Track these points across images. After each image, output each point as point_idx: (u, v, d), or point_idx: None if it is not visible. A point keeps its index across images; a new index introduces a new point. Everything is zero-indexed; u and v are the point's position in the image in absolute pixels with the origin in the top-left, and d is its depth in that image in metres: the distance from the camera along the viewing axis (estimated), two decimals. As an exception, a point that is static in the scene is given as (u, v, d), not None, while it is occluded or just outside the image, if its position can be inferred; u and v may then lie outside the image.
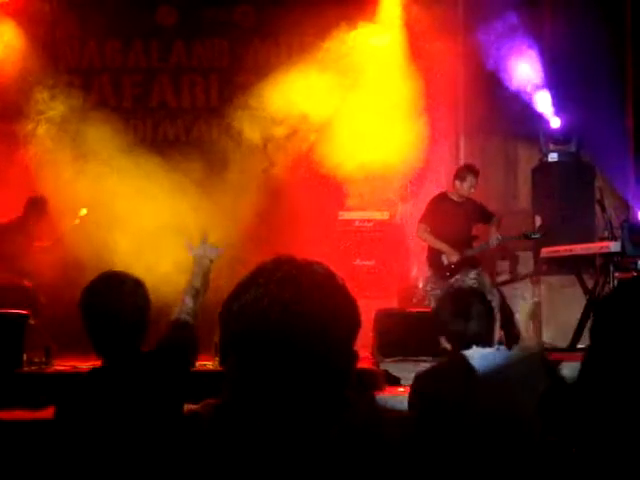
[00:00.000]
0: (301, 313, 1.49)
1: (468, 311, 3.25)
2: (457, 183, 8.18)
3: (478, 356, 3.12)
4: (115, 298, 3.03)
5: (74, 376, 3.11)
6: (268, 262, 1.58)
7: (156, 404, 2.92)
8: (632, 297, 1.82)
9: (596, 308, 1.86)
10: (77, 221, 8.67)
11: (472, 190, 8.15)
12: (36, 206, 8.55)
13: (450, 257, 8.04)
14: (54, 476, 3.00)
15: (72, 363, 7.20)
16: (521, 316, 8.81)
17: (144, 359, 3.08)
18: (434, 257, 8.25)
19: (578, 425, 1.84)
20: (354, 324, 1.58)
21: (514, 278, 9.61)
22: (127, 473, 2.77)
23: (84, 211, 8.73)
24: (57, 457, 2.96)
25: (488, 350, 3.15)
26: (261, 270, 1.56)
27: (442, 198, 8.33)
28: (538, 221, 9.08)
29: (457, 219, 8.13)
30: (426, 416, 3.05)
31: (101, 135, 9.16)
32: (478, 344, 3.17)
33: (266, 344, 1.50)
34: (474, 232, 8.50)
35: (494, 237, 8.12)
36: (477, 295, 3.38)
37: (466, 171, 8.17)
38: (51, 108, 9.40)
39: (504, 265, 9.74)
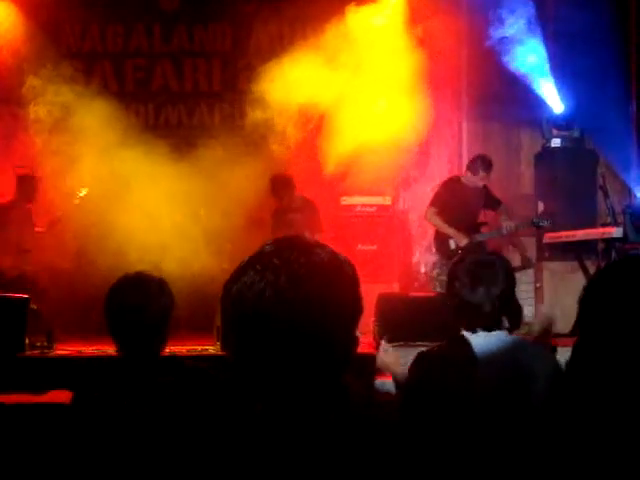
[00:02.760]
0: (295, 299, 1.49)
1: (479, 284, 3.10)
2: (469, 173, 8.21)
3: (480, 340, 3.10)
4: (140, 299, 3.02)
5: (91, 361, 3.14)
6: (268, 245, 1.58)
7: (166, 407, 2.92)
8: (619, 277, 1.81)
9: (584, 289, 1.85)
10: (77, 201, 8.64)
11: (482, 183, 8.19)
12: (25, 183, 8.49)
13: (459, 241, 8.06)
14: (55, 461, 3.01)
15: (74, 347, 7.23)
16: (522, 302, 8.79)
17: (163, 363, 3.10)
18: (441, 241, 8.26)
19: (572, 412, 1.84)
20: (353, 311, 1.57)
21: (516, 263, 9.60)
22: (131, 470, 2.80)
23: (84, 191, 8.69)
24: (67, 442, 2.97)
25: (491, 334, 3.12)
26: (260, 254, 1.56)
27: (454, 182, 8.35)
28: (541, 207, 9.08)
29: (467, 203, 8.16)
30: (423, 399, 3.04)
31: (103, 119, 9.13)
32: (480, 321, 3.11)
33: (261, 328, 1.50)
34: (483, 218, 8.51)
35: (507, 225, 8.15)
36: (498, 270, 3.16)
37: (479, 165, 8.15)
38: (52, 92, 9.36)
39: (507, 250, 9.73)
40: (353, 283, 1.58)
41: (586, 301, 1.83)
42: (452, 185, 8.30)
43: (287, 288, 1.50)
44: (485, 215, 8.65)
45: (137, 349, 3.06)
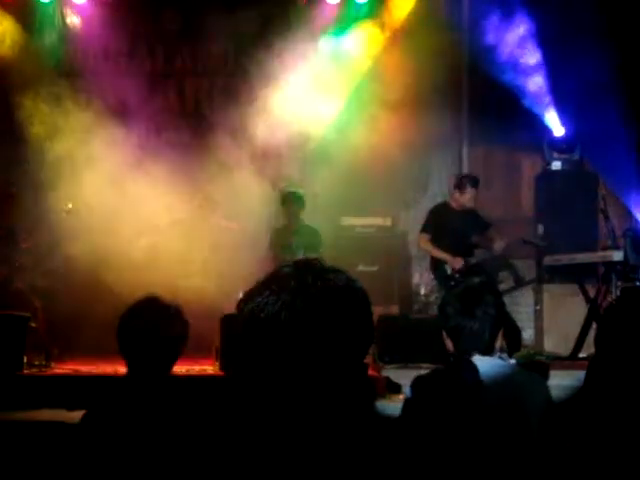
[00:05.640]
0: (310, 322, 1.48)
1: (474, 309, 3.14)
2: (457, 194, 8.20)
3: (479, 364, 3.10)
4: (153, 324, 3.03)
5: (90, 380, 3.11)
6: (286, 267, 1.57)
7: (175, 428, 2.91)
8: (636, 305, 1.82)
9: (601, 316, 1.87)
10: (64, 214, 8.60)
11: (472, 201, 8.16)
12: (3, 203, 8.47)
13: (454, 264, 8.02)
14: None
15: (71, 366, 7.20)
16: (522, 324, 8.78)
17: (168, 382, 3.10)
18: (437, 267, 8.24)
19: (583, 431, 1.84)
20: (366, 337, 1.56)
21: (516, 286, 9.59)
22: None
23: (69, 205, 8.66)
24: (75, 462, 2.95)
25: (486, 358, 3.13)
26: (278, 275, 1.55)
27: (442, 207, 8.35)
28: (541, 229, 9.08)
29: (458, 228, 8.13)
30: (424, 422, 3.04)
31: (104, 139, 9.15)
32: (477, 346, 3.13)
33: (273, 349, 1.49)
34: (474, 240, 8.50)
35: (499, 244, 8.14)
36: (488, 295, 3.20)
37: (466, 182, 8.17)
38: (54, 112, 9.38)
39: (506, 273, 9.72)
40: (367, 309, 1.57)
41: (604, 326, 1.84)
42: (440, 210, 8.29)
43: (303, 311, 1.49)
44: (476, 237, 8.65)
45: (148, 370, 3.05)
